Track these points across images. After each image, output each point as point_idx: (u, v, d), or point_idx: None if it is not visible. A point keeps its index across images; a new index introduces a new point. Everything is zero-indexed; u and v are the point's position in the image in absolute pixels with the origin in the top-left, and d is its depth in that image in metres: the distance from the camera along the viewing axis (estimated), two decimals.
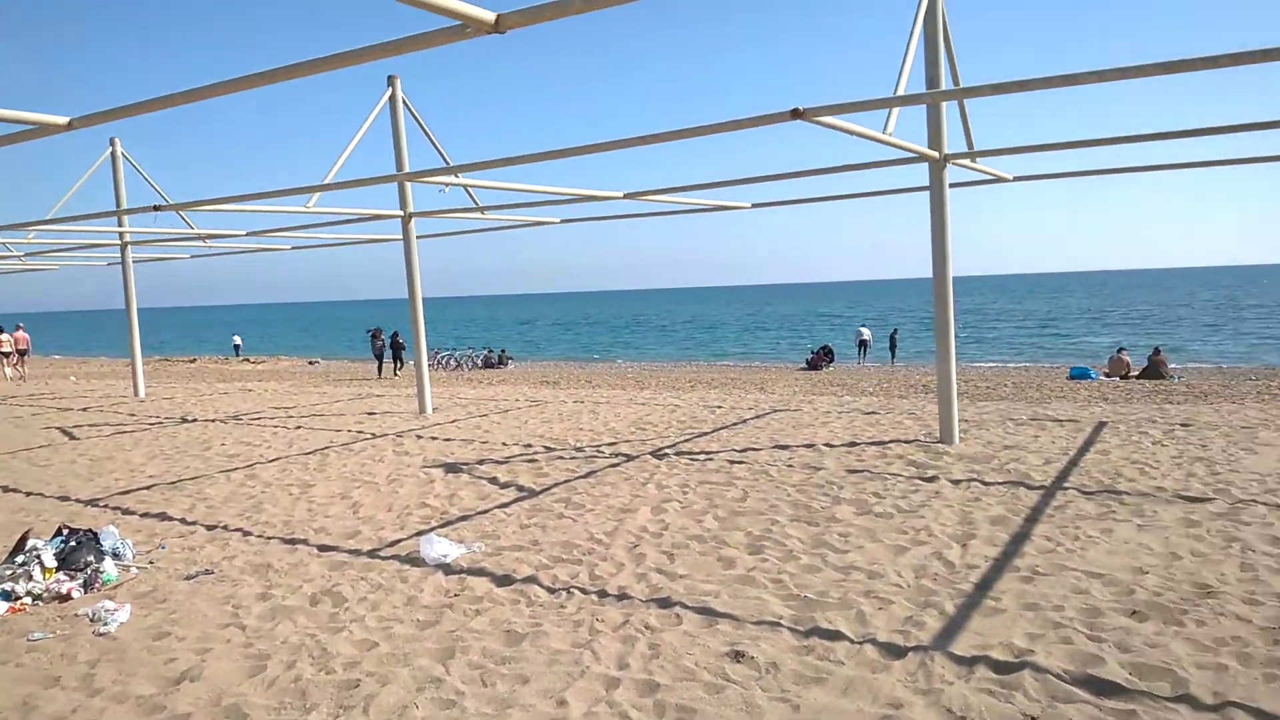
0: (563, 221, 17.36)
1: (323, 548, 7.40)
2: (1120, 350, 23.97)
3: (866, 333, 34.81)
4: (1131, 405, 14.75)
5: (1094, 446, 10.44)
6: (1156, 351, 23.16)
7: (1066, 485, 8.51)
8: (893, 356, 33.44)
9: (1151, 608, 5.28)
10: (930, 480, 8.97)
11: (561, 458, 11.08)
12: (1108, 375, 22.69)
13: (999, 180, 12.11)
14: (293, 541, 7.64)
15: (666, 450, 11.30)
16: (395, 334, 28.66)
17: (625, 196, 13.14)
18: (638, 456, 10.93)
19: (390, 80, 14.71)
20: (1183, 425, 11.85)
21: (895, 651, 4.80)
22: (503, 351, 36.77)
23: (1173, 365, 24.15)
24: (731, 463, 10.30)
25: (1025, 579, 5.89)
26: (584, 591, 6.00)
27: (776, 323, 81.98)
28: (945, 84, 10.10)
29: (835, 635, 5.06)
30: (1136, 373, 22.45)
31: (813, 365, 29.79)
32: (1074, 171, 12.08)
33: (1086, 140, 9.67)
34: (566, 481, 9.62)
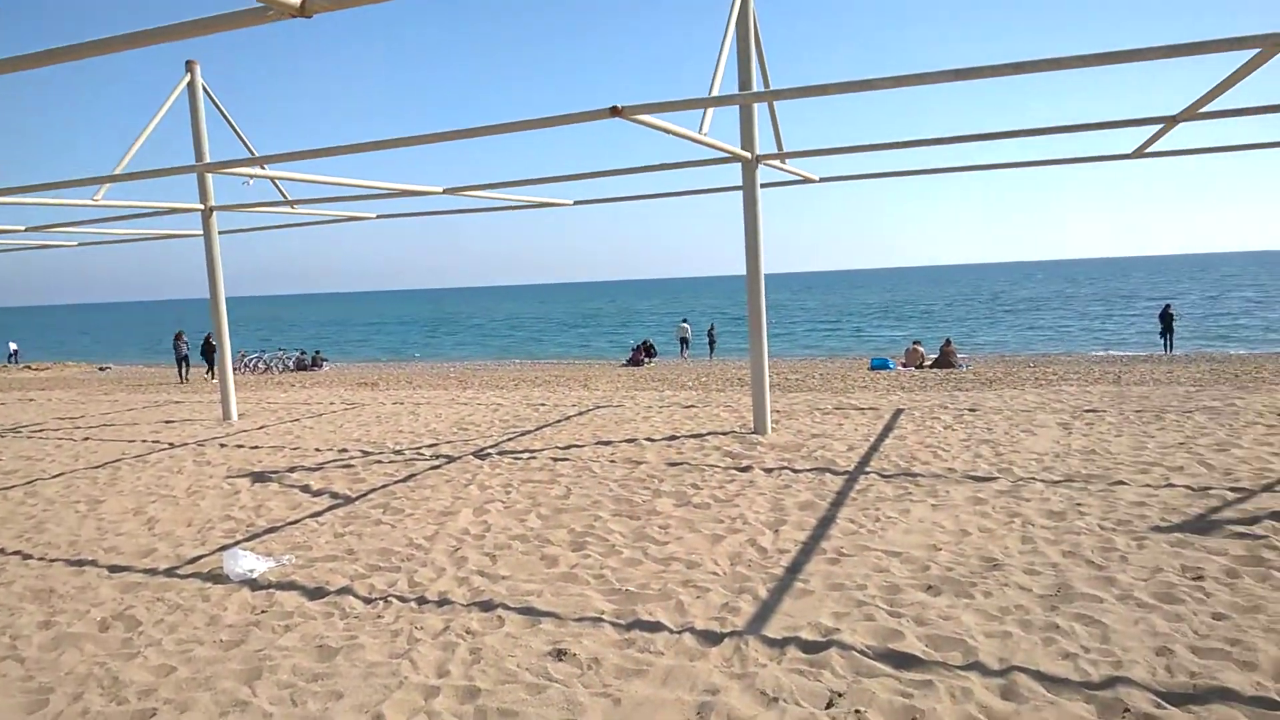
0: (379, 217, 16.82)
1: (114, 568, 6.85)
2: (915, 343, 25.67)
3: (687, 328, 35.66)
4: (925, 393, 15.83)
5: (892, 432, 11.14)
6: (947, 342, 24.92)
7: (868, 469, 9.04)
8: (711, 351, 34.43)
9: (944, 582, 5.68)
10: (745, 470, 9.31)
11: (379, 462, 10.75)
12: (904, 365, 24.23)
13: (806, 181, 12.69)
14: (80, 563, 7.04)
15: (489, 450, 11.18)
16: (208, 336, 26.80)
17: (445, 192, 12.89)
18: (459, 457, 10.76)
19: (189, 65, 13.84)
20: (970, 410, 12.83)
21: (712, 638, 4.94)
22: (316, 353, 35.25)
23: (961, 355, 26.07)
24: (555, 460, 10.31)
25: (831, 560, 6.22)
26: (402, 599, 5.85)
27: (598, 319, 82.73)
28: (756, 86, 10.49)
29: (655, 627, 5.16)
30: (930, 362, 24.11)
31: (634, 361, 30.23)
32: (873, 173, 12.80)
33: (883, 144, 10.29)
34: (384, 486, 9.34)
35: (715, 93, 8.54)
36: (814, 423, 12.19)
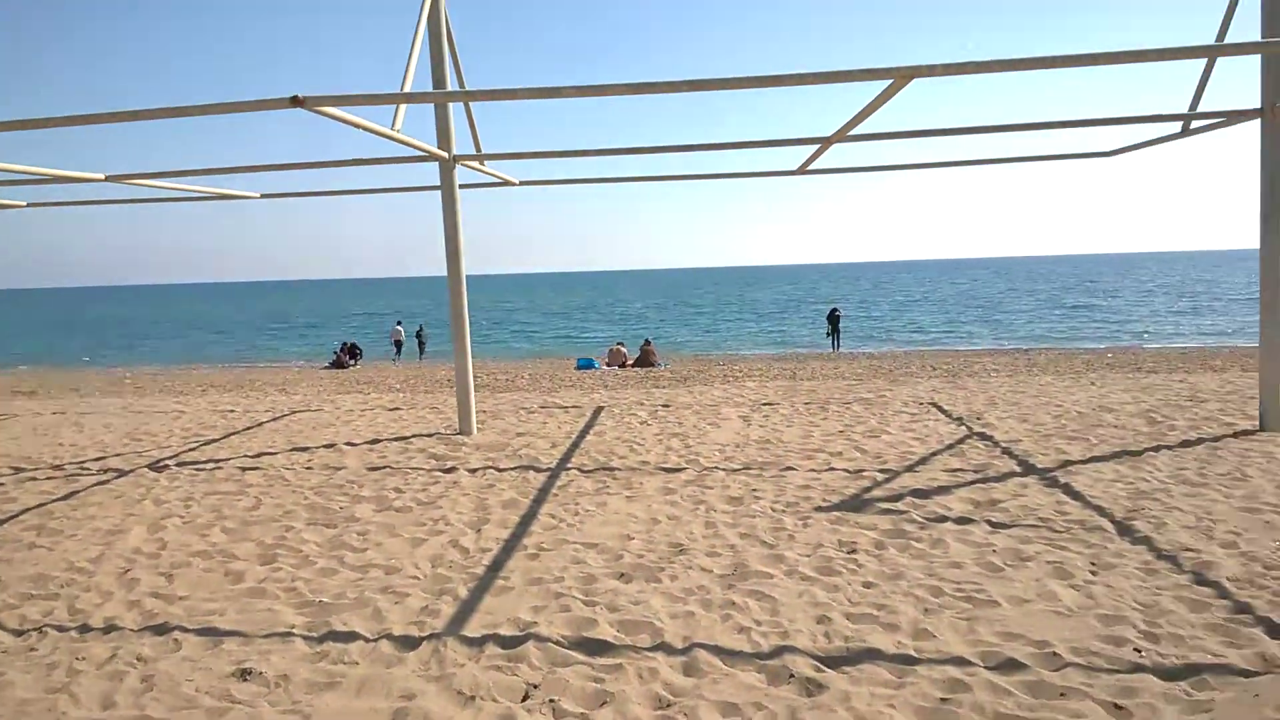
0: (30, 205, 14.84)
1: None
2: (619, 343, 26.78)
3: (401, 331, 34.74)
4: (626, 391, 16.57)
5: (593, 429, 11.57)
6: (647, 343, 26.21)
7: (569, 465, 9.34)
8: (420, 353, 33.76)
9: (636, 569, 6.02)
10: (449, 471, 9.28)
11: (34, 479, 9.54)
12: (608, 365, 25.19)
13: (506, 184, 12.82)
14: None
15: (167, 461, 10.27)
16: None
17: (107, 179, 11.63)
18: (132, 470, 9.80)
19: None
20: (664, 406, 13.61)
21: (410, 643, 4.91)
22: None
23: (663, 354, 27.52)
24: (244, 470, 9.69)
25: (532, 556, 6.38)
26: (60, 629, 5.26)
27: (294, 320, 78.32)
28: (451, 85, 10.46)
29: (350, 637, 5.03)
30: (631, 362, 25.24)
31: (337, 364, 28.98)
32: (569, 179, 13.18)
33: (575, 150, 10.67)
34: (40, 505, 8.32)
35: (408, 90, 8.43)
36: (519, 421, 12.38)
